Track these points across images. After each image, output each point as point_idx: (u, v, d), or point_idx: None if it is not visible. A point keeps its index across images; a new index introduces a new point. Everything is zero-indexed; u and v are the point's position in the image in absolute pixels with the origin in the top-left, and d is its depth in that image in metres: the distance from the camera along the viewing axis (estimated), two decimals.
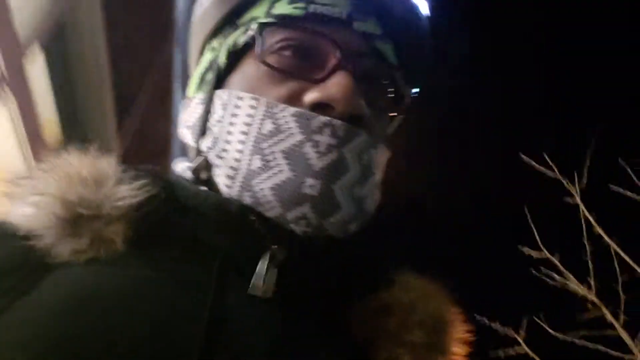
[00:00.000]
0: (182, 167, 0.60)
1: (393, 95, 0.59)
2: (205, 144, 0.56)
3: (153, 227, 0.49)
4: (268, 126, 0.51)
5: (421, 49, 0.62)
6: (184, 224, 0.51)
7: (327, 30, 0.54)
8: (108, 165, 0.52)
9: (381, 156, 0.57)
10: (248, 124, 0.52)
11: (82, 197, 0.48)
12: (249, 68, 0.56)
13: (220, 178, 0.54)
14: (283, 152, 0.50)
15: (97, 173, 0.51)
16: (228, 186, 0.53)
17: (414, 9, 0.60)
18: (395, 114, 0.61)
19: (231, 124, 0.54)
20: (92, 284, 0.45)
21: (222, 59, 0.58)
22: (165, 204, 0.52)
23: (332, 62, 0.54)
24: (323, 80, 0.53)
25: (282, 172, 0.50)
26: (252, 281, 0.48)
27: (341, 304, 0.54)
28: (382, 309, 0.55)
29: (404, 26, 0.59)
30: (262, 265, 0.49)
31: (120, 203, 0.49)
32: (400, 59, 0.60)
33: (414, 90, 0.63)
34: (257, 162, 0.51)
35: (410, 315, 0.54)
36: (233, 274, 0.48)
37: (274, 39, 0.55)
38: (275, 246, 0.50)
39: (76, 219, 0.47)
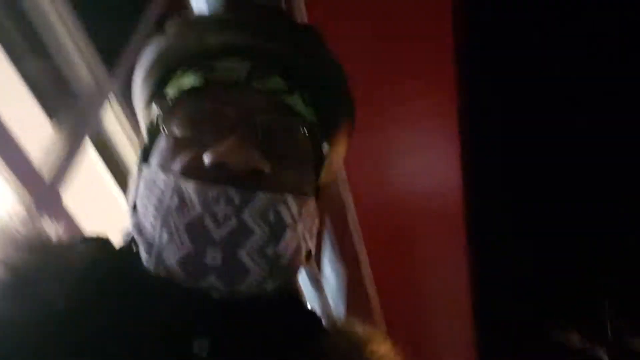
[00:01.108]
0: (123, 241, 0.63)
1: (308, 144, 0.61)
2: (132, 219, 0.59)
3: (93, 290, 0.52)
4: (175, 201, 0.54)
5: (334, 95, 0.64)
6: (119, 290, 0.54)
7: (225, 94, 0.58)
8: (54, 231, 0.56)
9: (298, 206, 0.57)
10: (160, 200, 0.55)
11: (25, 261, 0.52)
12: (161, 142, 0.59)
13: (142, 253, 0.56)
14: (186, 225, 0.52)
15: (42, 238, 0.55)
16: (147, 260, 0.55)
17: (319, 58, 0.63)
18: (317, 160, 0.63)
19: (148, 199, 0.56)
20: (30, 347, 0.47)
21: (144, 136, 0.63)
22: (108, 270, 0.56)
23: (228, 123, 0.56)
24: (220, 141, 0.54)
25: (185, 246, 0.52)
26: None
27: (280, 355, 0.54)
28: (319, 356, 0.55)
29: (311, 76, 0.61)
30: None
31: (62, 266, 0.52)
32: (317, 108, 0.62)
33: (333, 136, 0.65)
34: (165, 237, 0.53)
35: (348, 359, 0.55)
36: (165, 340, 0.50)
37: (177, 111, 0.59)
38: (200, 329, 0.52)
39: (17, 282, 0.50)
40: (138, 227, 0.57)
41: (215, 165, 0.54)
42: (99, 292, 0.52)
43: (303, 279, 4.37)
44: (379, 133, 5.64)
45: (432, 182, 5.97)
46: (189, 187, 0.53)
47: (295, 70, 0.61)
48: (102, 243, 0.60)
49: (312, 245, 0.62)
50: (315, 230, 0.62)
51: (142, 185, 0.58)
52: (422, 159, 5.86)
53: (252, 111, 0.57)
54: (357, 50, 4.69)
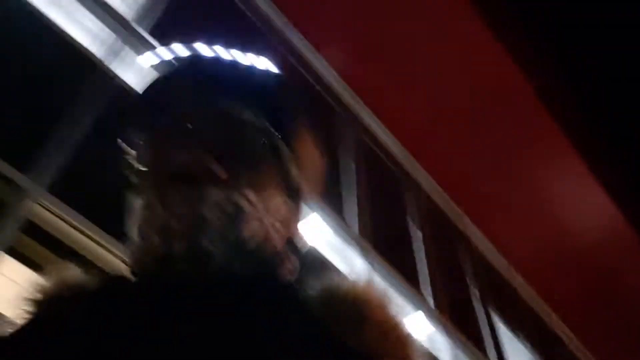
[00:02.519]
0: None
1: (265, 148, 0.67)
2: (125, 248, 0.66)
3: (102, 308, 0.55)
4: (146, 212, 0.61)
5: (277, 107, 0.70)
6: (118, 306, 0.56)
7: (184, 120, 0.65)
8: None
9: (262, 201, 0.63)
10: (136, 215, 0.62)
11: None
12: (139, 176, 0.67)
13: (130, 266, 0.63)
14: (155, 228, 0.59)
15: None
16: (132, 266, 0.62)
17: (259, 81, 0.71)
18: (280, 161, 0.68)
19: (131, 220, 0.64)
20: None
21: (128, 177, 0.68)
22: (112, 291, 0.59)
23: (185, 142, 0.63)
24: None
25: (155, 244, 0.58)
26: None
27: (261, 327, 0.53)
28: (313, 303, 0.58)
29: (257, 93, 0.69)
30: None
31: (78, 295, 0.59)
32: (269, 117, 0.68)
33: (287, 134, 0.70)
34: (140, 243, 0.60)
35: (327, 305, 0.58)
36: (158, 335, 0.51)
37: (149, 147, 0.67)
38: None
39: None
40: (126, 249, 0.64)
41: (172, 173, 0.61)
42: (108, 310, 0.55)
43: None
44: (536, 212, 5.54)
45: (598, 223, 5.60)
46: (152, 195, 0.61)
47: (243, 93, 0.69)
48: (111, 276, 0.64)
49: (298, 237, 0.68)
50: (291, 224, 0.67)
51: (128, 214, 0.65)
52: (576, 208, 5.55)
53: (205, 128, 0.65)
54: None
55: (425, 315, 3.85)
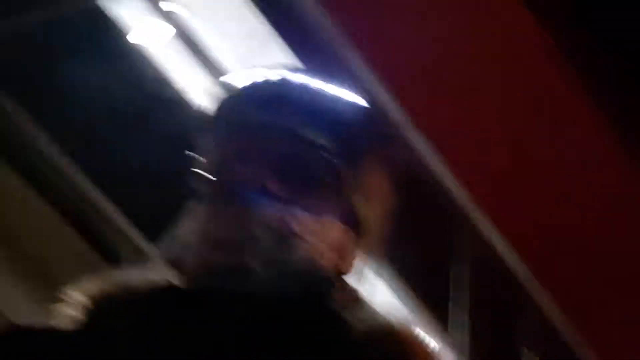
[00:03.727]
0: None
1: (326, 171, 0.65)
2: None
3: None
4: (201, 222, 0.62)
5: (346, 129, 0.68)
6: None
7: (246, 133, 0.66)
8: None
9: (313, 223, 0.62)
10: (191, 223, 0.64)
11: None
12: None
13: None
14: (207, 239, 0.61)
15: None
16: (179, 274, 0.62)
17: (332, 101, 0.69)
18: (342, 188, 0.66)
19: (184, 222, 0.66)
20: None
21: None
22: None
23: (244, 156, 0.64)
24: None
25: (203, 255, 0.60)
26: None
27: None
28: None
29: (325, 115, 0.67)
30: None
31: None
32: (335, 141, 0.66)
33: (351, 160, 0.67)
34: (191, 249, 0.61)
35: None
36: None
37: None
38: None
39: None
40: (174, 253, 0.65)
41: (230, 185, 0.62)
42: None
43: None
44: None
45: None
46: (210, 206, 0.62)
47: (311, 114, 0.67)
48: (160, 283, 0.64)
49: (347, 267, 0.64)
50: (347, 254, 0.64)
51: (185, 219, 0.66)
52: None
53: (266, 142, 0.64)
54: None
55: None
